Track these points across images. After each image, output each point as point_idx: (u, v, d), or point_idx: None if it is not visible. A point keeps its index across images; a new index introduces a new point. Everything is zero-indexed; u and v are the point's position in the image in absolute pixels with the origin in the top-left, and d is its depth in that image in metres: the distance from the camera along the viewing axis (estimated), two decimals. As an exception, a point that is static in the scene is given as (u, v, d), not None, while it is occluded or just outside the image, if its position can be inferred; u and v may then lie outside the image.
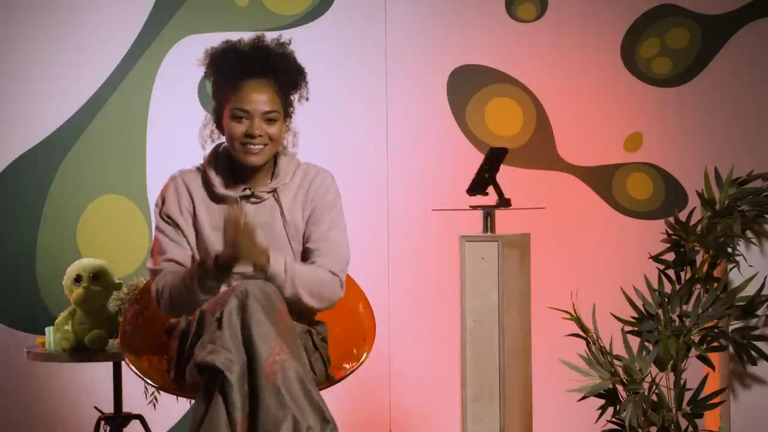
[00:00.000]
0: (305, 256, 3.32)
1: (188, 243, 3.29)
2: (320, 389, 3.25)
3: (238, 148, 3.22)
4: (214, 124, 3.32)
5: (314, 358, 3.27)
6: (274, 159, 3.31)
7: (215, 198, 3.29)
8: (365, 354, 3.43)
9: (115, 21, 4.51)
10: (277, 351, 2.93)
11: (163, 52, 4.53)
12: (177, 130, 4.51)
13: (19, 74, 4.51)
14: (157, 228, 3.32)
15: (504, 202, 3.56)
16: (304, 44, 4.59)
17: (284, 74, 3.27)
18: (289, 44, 3.33)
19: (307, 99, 3.34)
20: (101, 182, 4.50)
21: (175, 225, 3.29)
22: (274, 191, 3.28)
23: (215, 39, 4.50)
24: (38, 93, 4.50)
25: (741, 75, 4.57)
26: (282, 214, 3.28)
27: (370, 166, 4.56)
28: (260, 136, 3.21)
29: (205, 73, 3.33)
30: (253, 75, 3.23)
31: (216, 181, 3.28)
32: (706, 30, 4.57)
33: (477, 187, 3.55)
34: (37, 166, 4.50)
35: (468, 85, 4.59)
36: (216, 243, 3.25)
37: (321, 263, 3.28)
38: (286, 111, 3.30)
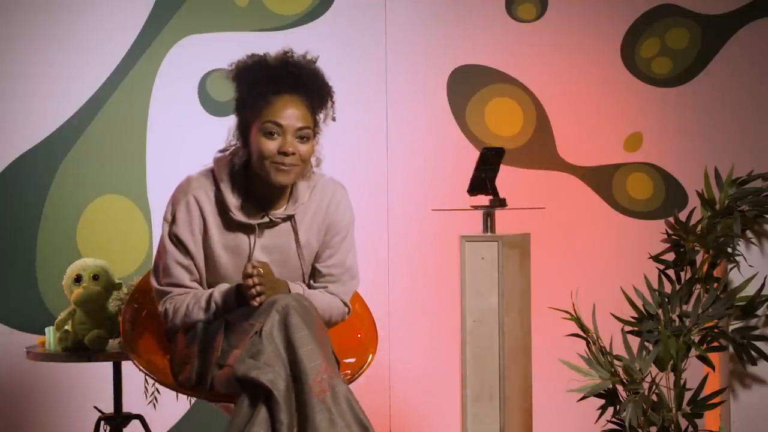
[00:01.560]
0: (315, 275, 3.28)
1: (195, 265, 3.19)
2: None
3: (268, 167, 3.08)
4: (238, 142, 3.17)
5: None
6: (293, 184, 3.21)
7: (230, 223, 3.17)
8: (371, 356, 3.42)
9: (115, 21, 4.51)
10: (324, 369, 2.91)
11: (163, 52, 4.53)
12: (177, 130, 4.51)
13: (19, 74, 4.51)
14: (164, 244, 3.20)
15: (499, 202, 3.55)
16: (304, 44, 4.60)
17: (315, 92, 3.15)
18: (316, 61, 3.21)
19: (333, 119, 3.21)
20: (101, 182, 4.50)
21: (185, 249, 3.18)
22: (291, 218, 3.20)
23: (215, 39, 4.53)
24: (38, 93, 4.50)
25: (741, 75, 4.57)
26: (297, 240, 3.22)
27: (370, 166, 4.56)
28: (293, 154, 3.07)
29: (233, 83, 3.16)
30: (286, 91, 3.10)
31: (233, 205, 3.15)
32: (706, 30, 4.57)
33: (476, 187, 3.55)
34: (37, 166, 4.50)
35: (468, 85, 4.60)
36: (229, 264, 3.19)
37: (335, 291, 3.27)
38: (316, 130, 3.18)
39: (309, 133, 3.12)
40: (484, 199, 3.59)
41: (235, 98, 3.18)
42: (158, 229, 4.49)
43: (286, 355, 2.93)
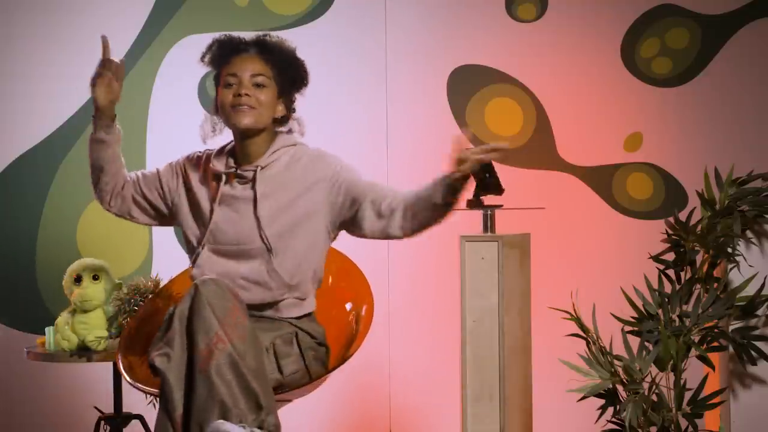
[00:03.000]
0: (370, 207, 3.29)
1: (151, 179, 3.44)
2: (296, 388, 3.25)
3: (229, 112, 3.27)
4: (215, 115, 3.38)
5: (289, 361, 3.24)
6: (270, 141, 3.34)
7: (211, 175, 3.36)
8: (334, 365, 3.39)
9: (115, 21, 4.51)
10: (214, 341, 2.95)
11: (163, 52, 4.53)
12: (177, 130, 4.50)
13: (19, 74, 4.51)
14: None
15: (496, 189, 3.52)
16: (304, 44, 4.59)
17: (277, 54, 3.33)
18: (290, 43, 3.41)
19: (305, 84, 3.39)
20: (101, 182, 4.50)
21: (174, 169, 3.44)
22: (255, 169, 3.30)
23: (215, 39, 4.52)
24: (38, 93, 4.50)
25: (741, 75, 4.57)
26: (254, 190, 3.29)
27: (370, 166, 4.55)
28: (247, 95, 3.25)
29: (204, 62, 3.40)
30: (245, 50, 3.33)
31: (213, 157, 3.36)
32: (706, 30, 4.57)
33: (481, 191, 3.55)
34: (37, 166, 4.50)
35: (468, 85, 4.59)
36: (206, 211, 3.31)
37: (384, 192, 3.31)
38: (282, 90, 3.33)
39: (265, 81, 3.29)
40: (483, 200, 3.59)
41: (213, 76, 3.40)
42: (158, 229, 4.49)
43: (188, 335, 2.99)
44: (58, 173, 4.50)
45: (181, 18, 4.54)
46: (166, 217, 3.44)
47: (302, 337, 3.29)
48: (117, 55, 4.51)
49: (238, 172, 3.30)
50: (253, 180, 3.29)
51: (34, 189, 4.49)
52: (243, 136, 3.30)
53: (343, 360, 3.35)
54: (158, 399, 3.02)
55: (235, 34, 3.38)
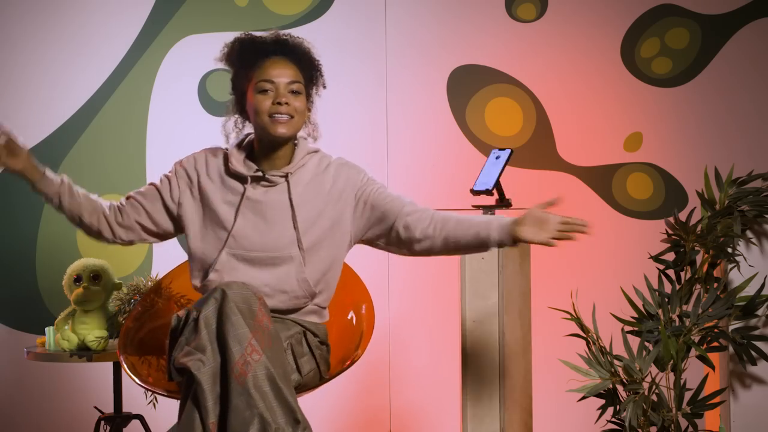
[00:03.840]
0: (396, 222, 3.28)
1: (162, 192, 3.32)
2: (309, 390, 3.25)
3: (266, 122, 3.21)
4: (237, 115, 3.32)
5: (304, 360, 3.25)
6: (293, 146, 3.30)
7: (228, 173, 3.28)
8: (348, 362, 3.40)
9: (115, 21, 4.52)
10: (249, 352, 2.93)
11: (163, 52, 4.53)
12: (177, 130, 4.51)
13: (19, 74, 4.51)
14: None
15: (505, 203, 3.56)
16: (304, 44, 4.60)
17: (302, 56, 3.29)
18: (308, 43, 3.37)
19: (324, 86, 3.36)
20: (101, 182, 4.50)
21: (170, 179, 3.33)
22: (286, 176, 3.26)
23: (215, 39, 4.52)
24: (38, 93, 4.50)
25: (741, 75, 4.57)
26: (290, 197, 3.25)
27: (370, 166, 4.54)
28: (287, 104, 3.21)
29: (223, 60, 3.32)
30: (274, 54, 3.27)
31: (234, 158, 3.27)
32: (706, 30, 4.58)
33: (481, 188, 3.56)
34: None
35: (468, 85, 4.60)
36: (226, 214, 3.24)
37: (413, 206, 3.31)
38: (308, 93, 3.30)
39: (301, 88, 3.25)
40: (484, 199, 3.59)
41: (230, 78, 3.31)
42: (158, 229, 4.49)
43: (218, 339, 2.96)
44: (58, 173, 4.50)
45: (181, 18, 4.54)
46: (170, 232, 3.34)
47: (310, 336, 3.29)
48: (117, 55, 4.54)
49: (267, 176, 3.24)
50: (288, 186, 3.25)
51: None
52: (274, 143, 3.24)
53: (352, 360, 3.36)
54: (183, 401, 2.97)
55: (256, 33, 3.32)
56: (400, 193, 3.34)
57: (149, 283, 3.72)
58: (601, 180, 4.58)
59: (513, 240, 3.16)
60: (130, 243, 3.35)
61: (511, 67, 4.60)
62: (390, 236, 3.28)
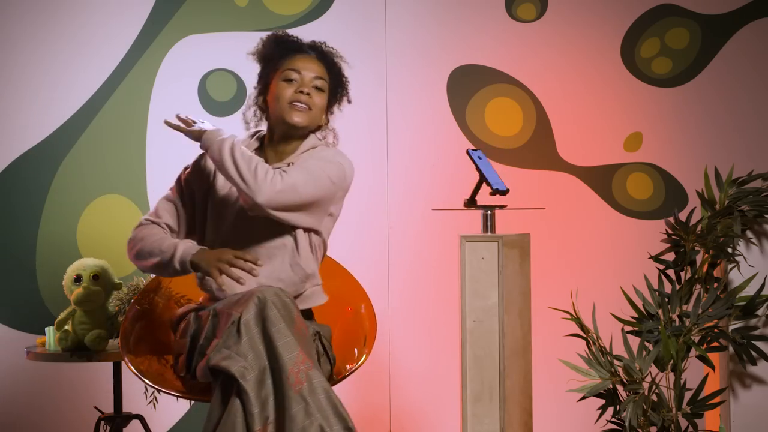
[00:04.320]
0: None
1: (183, 211, 3.35)
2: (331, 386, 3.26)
3: (285, 108, 3.27)
4: (256, 106, 3.37)
5: (322, 361, 3.28)
6: (302, 142, 3.34)
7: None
8: (365, 355, 3.43)
9: (115, 21, 4.51)
10: (301, 360, 2.95)
11: (163, 52, 4.53)
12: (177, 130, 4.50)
13: (19, 74, 4.51)
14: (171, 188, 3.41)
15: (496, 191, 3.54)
16: (304, 44, 4.59)
17: (332, 65, 3.37)
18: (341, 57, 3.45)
19: (349, 102, 3.43)
20: (101, 182, 4.50)
21: (182, 190, 3.36)
22: (287, 166, 3.29)
23: (215, 39, 4.53)
24: (38, 93, 4.50)
25: (741, 75, 4.57)
26: None
27: (370, 167, 4.56)
28: (308, 94, 3.27)
29: (256, 53, 3.38)
30: (306, 52, 3.35)
31: (245, 146, 3.31)
32: (706, 30, 4.57)
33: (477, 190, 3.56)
34: (37, 166, 4.50)
35: (468, 85, 4.60)
36: (224, 209, 3.28)
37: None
38: (330, 100, 3.36)
39: (324, 85, 3.33)
40: (484, 200, 3.59)
41: (258, 73, 3.37)
42: (158, 229, 4.49)
43: (263, 347, 2.98)
44: (58, 173, 4.50)
45: (181, 18, 4.54)
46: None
47: (322, 338, 3.31)
48: (117, 55, 4.54)
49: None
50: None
51: (34, 189, 4.49)
52: (286, 134, 3.30)
53: (358, 360, 3.37)
54: (219, 403, 2.98)
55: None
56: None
57: (148, 282, 3.72)
58: (601, 180, 4.58)
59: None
60: None
61: (511, 67, 4.60)
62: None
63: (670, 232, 3.54)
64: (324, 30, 4.56)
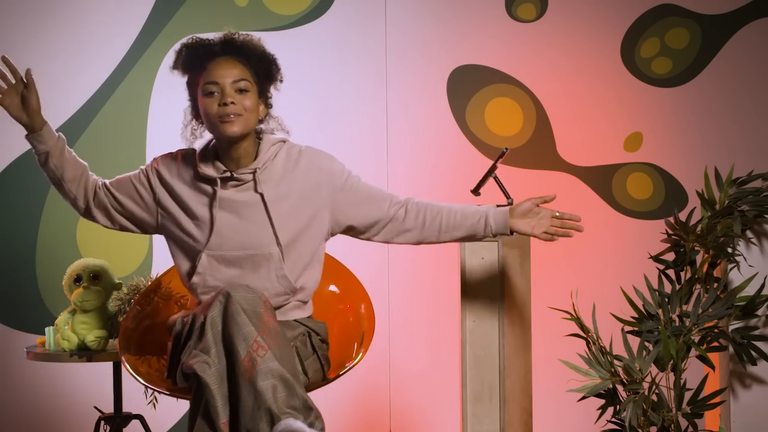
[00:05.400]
0: (370, 227, 3.30)
1: (138, 189, 3.33)
2: (315, 389, 3.25)
3: (216, 123, 3.19)
4: (194, 119, 3.31)
5: (310, 361, 3.26)
6: (256, 142, 3.27)
7: (197, 177, 3.27)
8: (361, 354, 3.43)
9: (115, 21, 4.51)
10: (255, 348, 2.94)
11: (163, 52, 4.53)
12: (177, 130, 4.50)
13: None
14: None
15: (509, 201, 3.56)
16: (304, 44, 4.60)
17: (251, 54, 3.25)
18: (259, 39, 3.33)
19: (281, 81, 3.31)
20: (101, 182, 4.50)
21: (148, 175, 3.33)
22: (254, 172, 3.23)
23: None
24: (38, 93, 4.50)
25: (741, 75, 4.57)
26: (260, 194, 3.22)
27: (371, 166, 4.56)
28: (233, 103, 3.17)
29: (176, 70, 3.32)
30: (219, 54, 3.24)
31: (201, 162, 3.26)
32: (706, 30, 4.57)
33: (481, 186, 3.56)
34: (37, 166, 4.50)
35: (468, 85, 4.60)
36: (202, 217, 3.24)
37: (396, 201, 3.31)
38: (261, 90, 3.25)
39: (248, 86, 3.21)
40: (484, 199, 3.59)
41: (185, 84, 3.32)
42: (158, 229, 4.49)
43: (225, 342, 2.97)
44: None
45: (181, 18, 4.54)
46: (153, 226, 3.36)
47: (313, 337, 3.30)
48: (117, 55, 4.54)
49: (235, 175, 3.22)
50: (255, 184, 3.23)
51: (34, 189, 4.49)
52: (229, 142, 3.22)
53: (355, 359, 3.37)
54: (193, 405, 2.98)
55: (204, 35, 3.31)
56: (391, 190, 3.37)
57: (149, 283, 3.72)
58: (601, 180, 4.58)
59: (510, 231, 3.25)
60: (115, 228, 3.40)
61: (511, 67, 4.60)
62: (374, 227, 3.30)
63: (670, 232, 3.53)
64: (324, 30, 4.56)
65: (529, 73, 4.60)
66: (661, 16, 4.58)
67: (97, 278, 3.76)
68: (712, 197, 3.56)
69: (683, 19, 4.58)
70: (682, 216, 3.57)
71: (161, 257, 4.46)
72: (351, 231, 3.32)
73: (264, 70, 3.26)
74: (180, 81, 4.52)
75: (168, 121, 4.53)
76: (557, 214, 3.26)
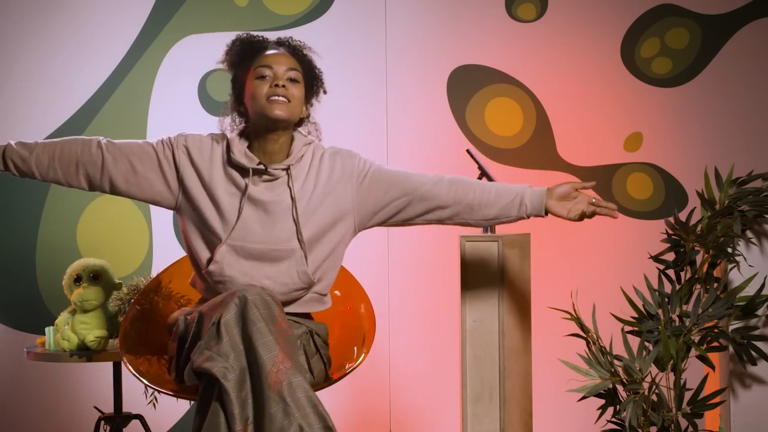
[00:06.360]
0: (401, 209, 3.30)
1: (152, 162, 3.29)
2: (318, 389, 3.26)
3: (264, 105, 3.20)
4: (235, 112, 3.32)
5: (314, 360, 3.27)
6: (290, 139, 3.29)
7: (229, 164, 3.26)
8: (363, 355, 3.43)
9: (115, 21, 4.51)
10: (280, 360, 2.93)
11: (163, 52, 4.53)
12: (177, 130, 4.50)
13: (18, 74, 4.51)
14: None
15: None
16: (304, 44, 4.59)
17: (303, 56, 3.32)
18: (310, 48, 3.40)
19: (324, 92, 3.37)
20: (101, 182, 4.50)
21: (173, 150, 3.30)
22: (287, 169, 3.25)
23: (215, 39, 4.53)
24: (38, 93, 4.50)
25: (741, 75, 4.57)
26: (291, 191, 3.24)
27: (370, 166, 4.55)
28: (284, 86, 3.21)
29: (225, 61, 3.33)
30: (275, 48, 3.30)
31: (236, 149, 3.25)
32: (706, 30, 4.57)
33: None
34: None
35: (468, 85, 4.60)
36: (228, 206, 3.22)
37: (425, 180, 3.31)
38: (307, 91, 3.31)
39: (298, 76, 3.27)
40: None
41: (231, 79, 3.32)
42: (158, 229, 4.49)
43: (243, 347, 2.96)
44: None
45: (181, 18, 4.54)
46: (171, 204, 3.31)
47: (315, 336, 3.30)
48: (117, 55, 4.54)
49: (268, 170, 3.23)
50: (288, 179, 3.24)
51: (34, 189, 4.49)
52: (269, 129, 3.23)
53: (357, 360, 3.37)
54: (203, 405, 2.97)
55: (235, 36, 3.33)
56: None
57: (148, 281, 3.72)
58: (601, 180, 4.58)
59: (545, 213, 3.29)
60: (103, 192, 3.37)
61: (511, 67, 4.60)
62: (405, 209, 3.30)
63: (670, 232, 3.53)
64: (324, 30, 4.56)
65: (529, 73, 4.60)
66: (661, 16, 4.58)
67: (97, 278, 3.76)
68: (712, 197, 3.56)
69: (683, 19, 4.58)
70: (682, 216, 3.57)
71: (161, 257, 4.46)
72: (385, 220, 3.33)
73: (312, 74, 3.32)
74: (179, 82, 4.54)
75: (168, 121, 4.53)
76: (593, 201, 3.27)
